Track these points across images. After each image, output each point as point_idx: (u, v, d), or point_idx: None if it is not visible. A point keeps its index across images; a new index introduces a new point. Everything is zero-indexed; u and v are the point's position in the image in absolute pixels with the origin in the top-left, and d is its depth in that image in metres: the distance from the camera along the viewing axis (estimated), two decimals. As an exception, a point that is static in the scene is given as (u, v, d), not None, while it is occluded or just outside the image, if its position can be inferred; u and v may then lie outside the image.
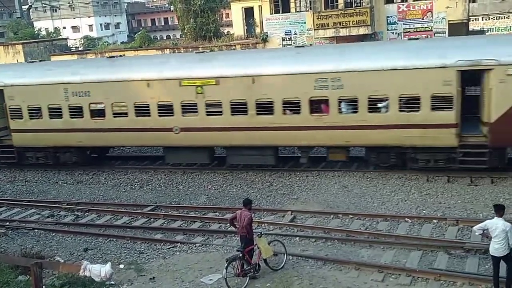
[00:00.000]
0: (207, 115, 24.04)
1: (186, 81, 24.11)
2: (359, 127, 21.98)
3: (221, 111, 23.83)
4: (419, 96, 21.06)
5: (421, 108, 21.13)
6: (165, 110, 24.54)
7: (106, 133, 25.92)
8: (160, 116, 24.69)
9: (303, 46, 25.73)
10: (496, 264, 12.63)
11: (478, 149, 20.94)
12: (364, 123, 21.87)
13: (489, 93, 20.37)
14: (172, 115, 24.49)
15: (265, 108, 23.17)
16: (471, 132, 21.35)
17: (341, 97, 22.09)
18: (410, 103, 21.32)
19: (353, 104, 22.08)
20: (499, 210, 12.59)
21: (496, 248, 12.37)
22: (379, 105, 21.71)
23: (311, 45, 31.81)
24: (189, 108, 24.30)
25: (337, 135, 22.48)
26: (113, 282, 14.55)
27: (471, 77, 21.13)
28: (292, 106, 22.83)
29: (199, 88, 23.91)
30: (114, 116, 25.50)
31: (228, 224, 15.85)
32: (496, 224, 12.33)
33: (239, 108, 23.53)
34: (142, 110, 24.96)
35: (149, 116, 24.83)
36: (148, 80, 24.68)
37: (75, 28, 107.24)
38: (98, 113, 25.95)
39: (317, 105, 22.68)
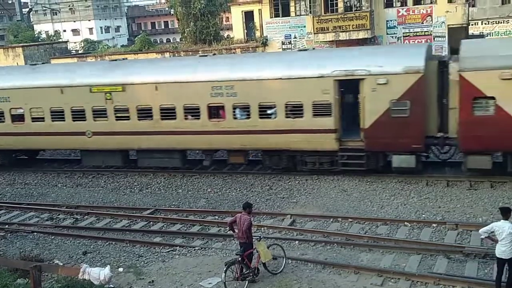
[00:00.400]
0: (116, 120, 25.72)
1: (96, 88, 25.74)
2: (252, 132, 23.71)
3: (128, 116, 25.46)
4: (302, 104, 22.70)
5: (304, 115, 22.79)
6: (78, 115, 26.17)
7: (26, 137, 27.46)
8: (74, 120, 26.32)
9: (205, 56, 27.86)
10: (501, 267, 12.63)
11: (356, 153, 22.46)
12: (256, 128, 23.59)
13: (363, 101, 21.93)
14: (85, 120, 26.10)
15: (168, 113, 24.74)
16: (350, 137, 22.78)
17: (235, 104, 23.78)
18: (295, 110, 22.96)
19: (246, 110, 23.71)
20: (506, 212, 12.57)
21: (503, 250, 12.38)
22: (268, 111, 23.36)
23: (304, 48, 31.90)
24: (99, 113, 25.93)
25: (233, 139, 24.19)
26: (112, 286, 14.49)
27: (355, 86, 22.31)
28: (192, 112, 24.49)
29: (108, 94, 25.58)
30: (33, 121, 27.06)
31: (228, 228, 15.82)
32: (502, 227, 12.32)
33: (144, 113, 25.17)
34: (58, 115, 26.55)
35: (64, 120, 26.43)
36: (61, 87, 26.28)
37: (75, 31, 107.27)
38: (18, 118, 27.46)
39: (215, 111, 24.37)
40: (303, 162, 23.70)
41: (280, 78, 22.97)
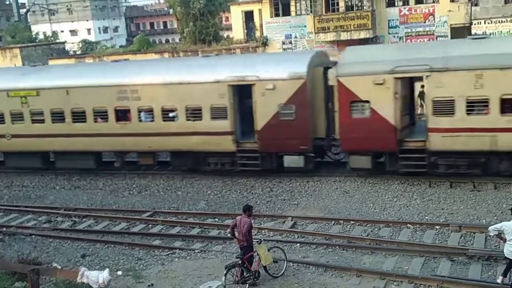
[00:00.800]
0: (32, 123, 27.05)
1: (13, 93, 27.19)
2: (157, 134, 24.94)
3: (43, 119, 26.78)
4: (201, 107, 24.09)
5: (203, 118, 24.15)
6: None
7: None
8: None
9: (118, 61, 30.30)
10: (510, 267, 12.50)
11: (252, 154, 23.77)
12: (160, 130, 24.86)
13: (255, 105, 23.34)
14: (4, 123, 27.49)
15: (79, 116, 26.10)
16: (247, 139, 24.14)
17: (140, 107, 25.12)
18: (195, 113, 24.31)
19: (150, 113, 25.04)
20: None
21: (511, 251, 12.33)
22: (171, 114, 24.74)
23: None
24: (17, 117, 27.36)
25: (140, 141, 25.41)
26: (110, 289, 14.35)
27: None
28: (101, 115, 25.82)
29: (23, 98, 26.96)
30: None
31: (228, 231, 15.64)
32: (511, 227, 12.22)
33: (58, 116, 26.47)
34: None
35: None
36: None
37: (73, 32, 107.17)
38: None
39: (123, 114, 25.57)
40: (207, 162, 25.10)
41: (180, 83, 24.34)
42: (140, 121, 25.19)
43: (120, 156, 26.99)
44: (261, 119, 23.27)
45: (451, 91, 20.58)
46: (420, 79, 22.69)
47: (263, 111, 23.15)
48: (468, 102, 20.49)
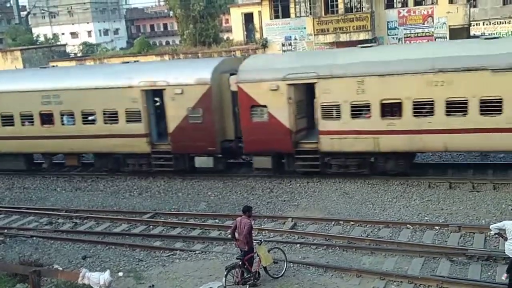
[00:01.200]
0: None
1: None
2: (78, 136, 26.45)
3: None
4: (117, 111, 25.45)
5: (119, 121, 25.50)
6: None
7: None
8: None
9: (46, 67, 31.93)
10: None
11: (166, 155, 25.19)
12: (81, 133, 26.29)
13: (166, 109, 24.76)
14: None
15: (8, 120, 27.57)
16: (162, 141, 25.52)
17: (62, 111, 26.52)
18: (112, 117, 25.69)
19: (72, 117, 26.43)
20: None
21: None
22: (90, 118, 26.13)
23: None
24: None
25: (63, 144, 26.89)
26: (111, 291, 14.40)
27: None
28: (28, 119, 27.26)
29: None
30: None
31: (229, 232, 15.69)
32: None
33: None
34: None
35: None
36: None
37: (73, 34, 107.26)
38: None
39: (48, 118, 26.88)
40: (125, 163, 26.45)
41: (97, 88, 25.69)
42: (63, 124, 26.64)
43: (49, 157, 28.63)
44: (172, 122, 24.65)
45: (337, 97, 22.00)
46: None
47: (174, 115, 24.53)
48: (352, 107, 21.87)
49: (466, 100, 20.33)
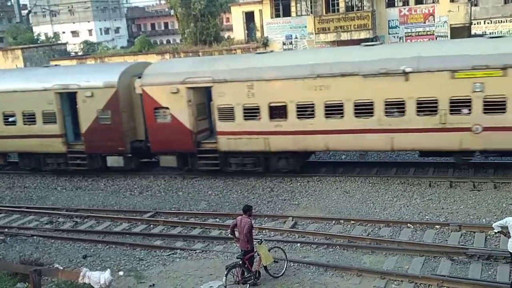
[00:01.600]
0: None
1: None
2: (1, 137, 27.96)
3: None
4: (34, 113, 26.77)
5: (36, 122, 26.84)
6: None
7: None
8: None
9: None
10: None
11: (80, 155, 26.61)
12: (3, 133, 27.81)
13: (79, 110, 26.06)
14: None
15: None
16: (77, 141, 26.77)
17: None
18: (30, 118, 27.00)
19: None
20: None
21: None
22: (10, 119, 27.57)
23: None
24: None
25: None
26: (112, 290, 14.40)
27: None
28: None
29: None
30: None
31: (229, 231, 15.68)
32: None
33: None
34: None
35: None
36: None
37: (74, 33, 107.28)
38: None
39: None
40: (45, 162, 27.64)
41: (15, 91, 27.09)
42: None
43: None
44: (84, 123, 25.99)
45: (230, 100, 23.46)
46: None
47: (86, 116, 25.88)
48: (244, 109, 23.30)
49: (342, 103, 21.80)
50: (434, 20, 39.16)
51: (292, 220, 19.29)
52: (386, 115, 21.39)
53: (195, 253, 17.14)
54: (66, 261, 17.38)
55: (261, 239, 14.67)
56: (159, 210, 21.76)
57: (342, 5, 40.28)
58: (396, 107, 21.33)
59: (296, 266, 15.36)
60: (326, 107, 22.06)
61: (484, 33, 37.57)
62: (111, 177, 26.75)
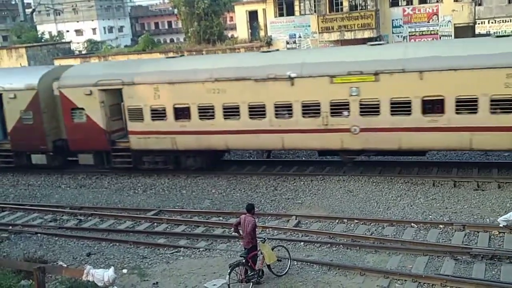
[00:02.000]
0: None
1: None
2: None
3: None
4: None
5: None
6: None
7: None
8: None
9: None
10: None
11: (7, 153, 28.21)
12: None
13: (5, 111, 27.72)
14: None
15: None
16: (5, 140, 28.27)
17: None
18: None
19: None
20: None
21: None
22: None
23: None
24: None
25: None
26: (116, 287, 14.40)
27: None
28: None
29: None
30: None
31: (232, 229, 15.70)
32: None
33: None
34: None
35: None
36: None
37: (78, 32, 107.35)
38: None
39: None
40: None
41: None
42: None
43: None
44: (10, 123, 27.64)
45: (139, 101, 24.96)
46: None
47: (11, 116, 27.53)
48: (152, 110, 24.84)
49: (238, 105, 23.33)
50: (438, 19, 39.11)
51: (296, 219, 19.27)
52: (277, 117, 22.96)
53: (199, 251, 17.15)
54: (70, 259, 17.41)
55: (264, 238, 14.68)
56: (163, 208, 21.76)
57: (345, 4, 40.26)
58: (285, 109, 22.88)
59: (299, 265, 15.35)
60: (224, 109, 23.61)
61: (488, 32, 37.51)
62: (115, 175, 26.77)
